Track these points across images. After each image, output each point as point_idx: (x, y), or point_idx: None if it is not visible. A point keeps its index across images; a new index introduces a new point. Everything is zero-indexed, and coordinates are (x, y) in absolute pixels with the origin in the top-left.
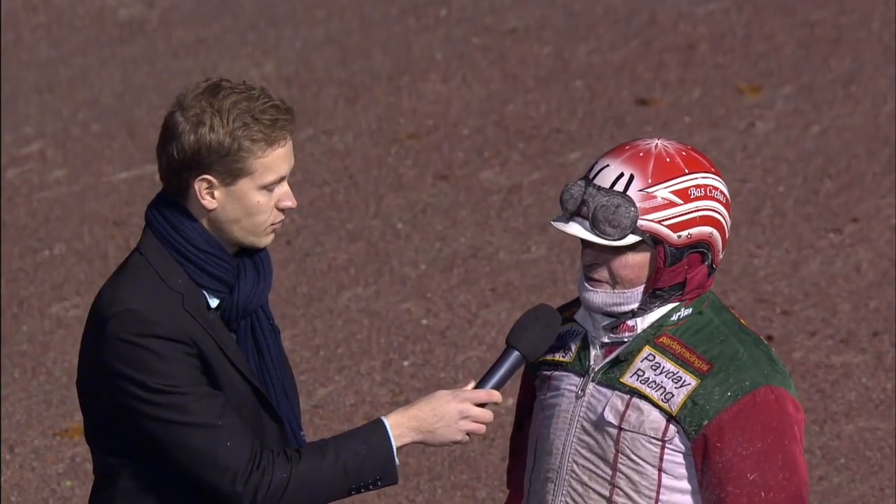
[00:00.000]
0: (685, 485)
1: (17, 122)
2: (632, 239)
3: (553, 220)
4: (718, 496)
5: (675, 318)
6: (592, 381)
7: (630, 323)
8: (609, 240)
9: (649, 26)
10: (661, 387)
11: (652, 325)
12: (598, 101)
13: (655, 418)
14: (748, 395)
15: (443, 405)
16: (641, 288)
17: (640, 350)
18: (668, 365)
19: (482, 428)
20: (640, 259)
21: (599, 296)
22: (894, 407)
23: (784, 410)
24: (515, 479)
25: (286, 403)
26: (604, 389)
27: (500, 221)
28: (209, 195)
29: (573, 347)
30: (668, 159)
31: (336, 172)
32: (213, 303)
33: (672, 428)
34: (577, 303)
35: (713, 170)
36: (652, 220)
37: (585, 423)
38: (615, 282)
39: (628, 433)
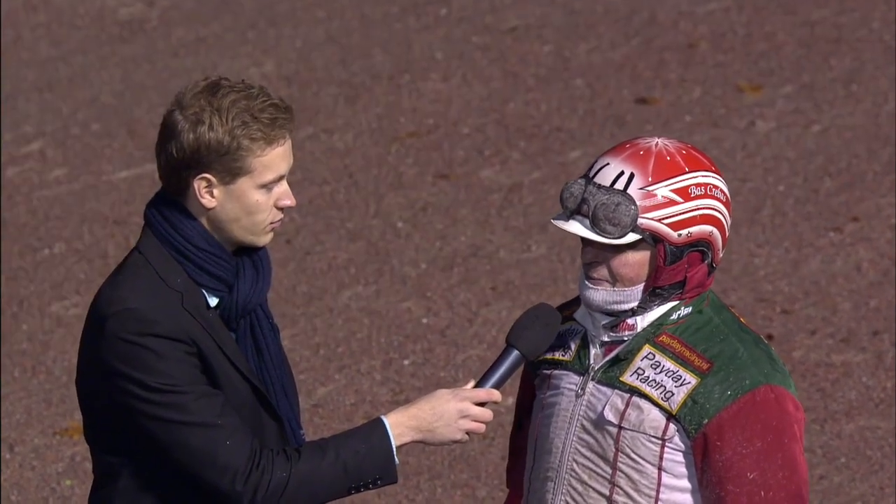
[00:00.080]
0: (685, 483)
1: (17, 121)
2: (632, 237)
3: (553, 219)
4: (718, 495)
5: (674, 316)
6: (592, 379)
7: (630, 321)
8: (609, 238)
9: (650, 25)
10: (661, 385)
11: (652, 324)
12: (599, 100)
13: (655, 417)
14: (748, 394)
15: (442, 404)
16: (641, 286)
17: (639, 349)
18: (668, 364)
19: (482, 427)
20: (640, 257)
21: (599, 294)
22: (894, 406)
23: (784, 409)
24: (515, 478)
25: (286, 402)
26: (604, 388)
27: (501, 220)
28: (208, 194)
29: (573, 346)
30: (668, 158)
31: (336, 171)
32: (213, 302)
33: (672, 427)
34: (576, 301)
35: (713, 168)
36: (652, 219)
37: (585, 422)
38: (615, 280)
39: (628, 432)
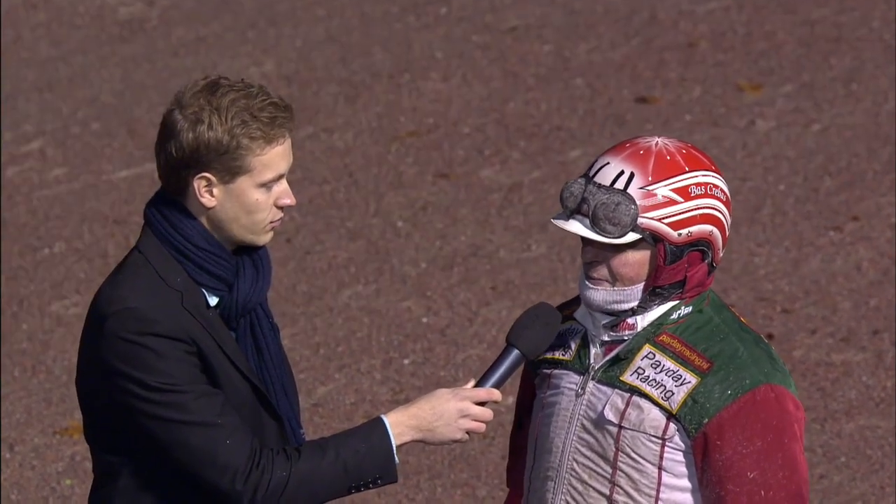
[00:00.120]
0: (685, 483)
1: (17, 121)
2: (632, 237)
3: (553, 218)
4: (718, 494)
5: (675, 316)
6: (592, 379)
7: (630, 321)
8: (609, 237)
9: (650, 24)
10: (662, 385)
11: (652, 324)
12: (599, 100)
13: (655, 416)
14: (748, 394)
15: (442, 403)
16: (641, 286)
17: (640, 348)
18: (669, 363)
19: (482, 426)
20: (640, 257)
21: (599, 293)
22: (894, 405)
23: (784, 409)
24: (515, 478)
25: (286, 402)
26: (604, 388)
27: (501, 220)
28: (208, 193)
29: (573, 346)
30: (668, 157)
31: (336, 170)
32: (213, 301)
33: (672, 426)
34: (577, 301)
35: (713, 168)
36: (652, 218)
37: (585, 422)
38: (615, 279)
39: (628, 431)
